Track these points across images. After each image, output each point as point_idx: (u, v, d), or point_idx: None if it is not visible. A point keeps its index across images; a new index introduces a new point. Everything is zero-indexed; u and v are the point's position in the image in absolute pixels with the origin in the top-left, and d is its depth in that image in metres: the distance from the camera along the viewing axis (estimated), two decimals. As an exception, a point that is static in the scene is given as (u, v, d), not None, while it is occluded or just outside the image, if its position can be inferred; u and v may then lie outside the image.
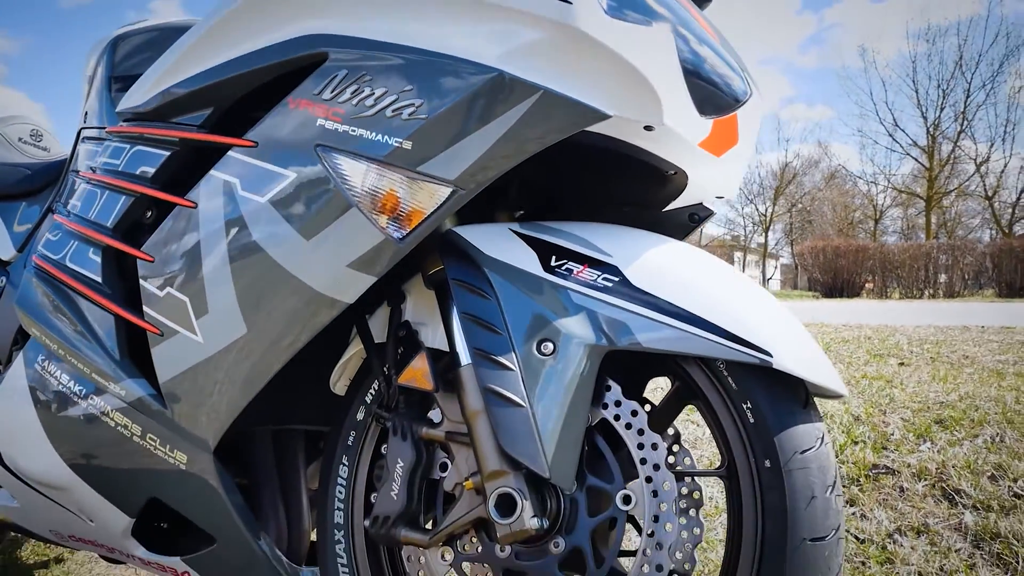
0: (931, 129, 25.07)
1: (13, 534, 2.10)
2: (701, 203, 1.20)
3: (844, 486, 1.99)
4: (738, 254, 41.58)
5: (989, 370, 3.01)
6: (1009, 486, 1.91)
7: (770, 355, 0.87)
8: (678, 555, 0.94)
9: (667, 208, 1.19)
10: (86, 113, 1.49)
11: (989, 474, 1.98)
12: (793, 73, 73.25)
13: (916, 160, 26.14)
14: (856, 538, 1.76)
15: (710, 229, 42.70)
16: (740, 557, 0.90)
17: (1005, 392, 2.54)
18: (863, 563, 1.67)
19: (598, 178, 1.16)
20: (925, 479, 1.99)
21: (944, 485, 1.95)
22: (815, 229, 35.90)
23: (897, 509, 1.88)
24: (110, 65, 1.45)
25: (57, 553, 2.10)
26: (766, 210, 36.85)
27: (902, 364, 3.20)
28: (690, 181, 1.09)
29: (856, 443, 2.18)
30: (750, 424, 0.91)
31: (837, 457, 2.12)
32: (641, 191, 1.15)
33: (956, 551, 1.69)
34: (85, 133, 1.48)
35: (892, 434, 2.23)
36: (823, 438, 0.92)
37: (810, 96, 71.89)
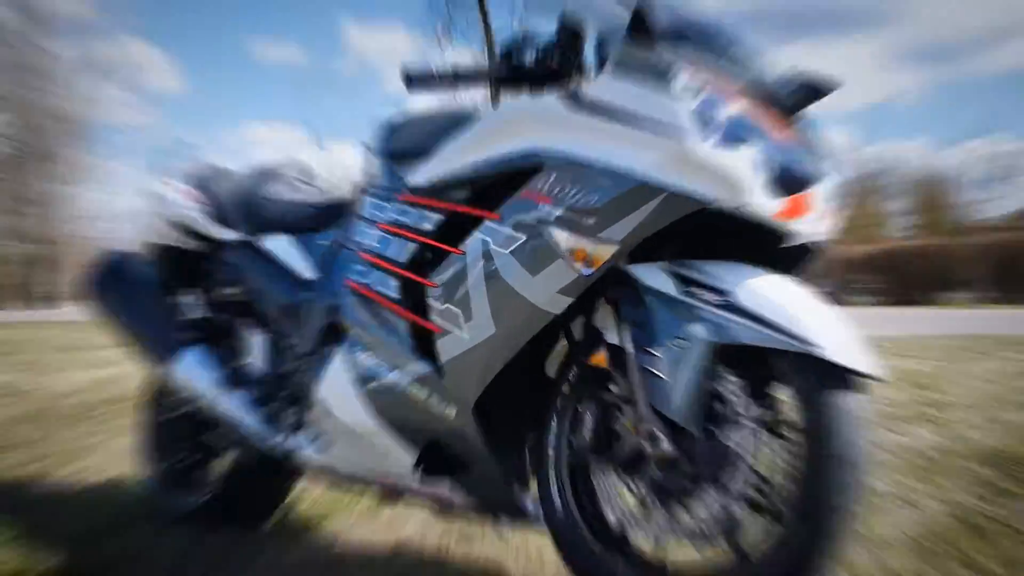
0: None
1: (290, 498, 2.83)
2: (804, 244, 1.68)
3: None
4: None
5: None
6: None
7: (823, 348, 1.38)
8: (764, 468, 1.46)
9: (780, 247, 1.68)
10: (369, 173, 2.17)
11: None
12: None
13: None
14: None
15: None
16: (800, 465, 1.39)
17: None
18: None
19: (722, 231, 1.68)
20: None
21: None
22: None
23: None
24: (388, 141, 2.08)
25: (324, 513, 2.82)
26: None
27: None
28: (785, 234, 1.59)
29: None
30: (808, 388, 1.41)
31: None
32: (753, 238, 1.65)
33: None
34: (370, 189, 2.15)
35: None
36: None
37: None
